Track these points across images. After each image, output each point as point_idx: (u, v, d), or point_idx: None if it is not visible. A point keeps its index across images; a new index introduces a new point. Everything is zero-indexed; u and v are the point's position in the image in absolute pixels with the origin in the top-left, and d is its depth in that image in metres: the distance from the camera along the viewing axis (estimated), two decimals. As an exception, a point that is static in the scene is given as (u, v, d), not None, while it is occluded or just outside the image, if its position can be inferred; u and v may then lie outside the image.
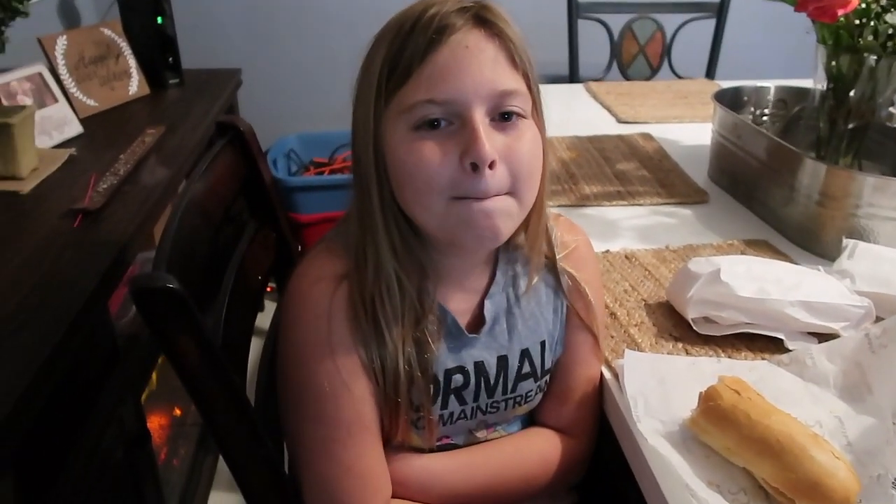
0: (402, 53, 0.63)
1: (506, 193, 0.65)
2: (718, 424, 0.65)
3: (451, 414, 0.75)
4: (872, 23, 0.98)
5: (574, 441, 0.81)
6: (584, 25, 2.08)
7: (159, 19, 1.81)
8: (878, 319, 0.82)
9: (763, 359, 0.81)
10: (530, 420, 0.84)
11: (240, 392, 0.61)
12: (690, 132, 1.57)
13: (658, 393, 0.73)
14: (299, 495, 0.71)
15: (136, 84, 1.75)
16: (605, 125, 1.64)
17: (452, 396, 0.74)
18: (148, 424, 1.15)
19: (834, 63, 1.08)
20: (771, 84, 1.37)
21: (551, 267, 0.78)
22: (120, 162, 1.30)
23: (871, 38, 0.98)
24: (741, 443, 0.63)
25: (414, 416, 0.71)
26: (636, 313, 0.90)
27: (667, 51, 2.08)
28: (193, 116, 1.65)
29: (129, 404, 1.06)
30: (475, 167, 0.62)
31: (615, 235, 1.12)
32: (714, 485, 0.64)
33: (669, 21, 2.05)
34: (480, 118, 0.62)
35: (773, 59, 2.20)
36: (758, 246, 1.07)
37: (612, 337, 0.85)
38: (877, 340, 0.74)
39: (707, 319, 0.85)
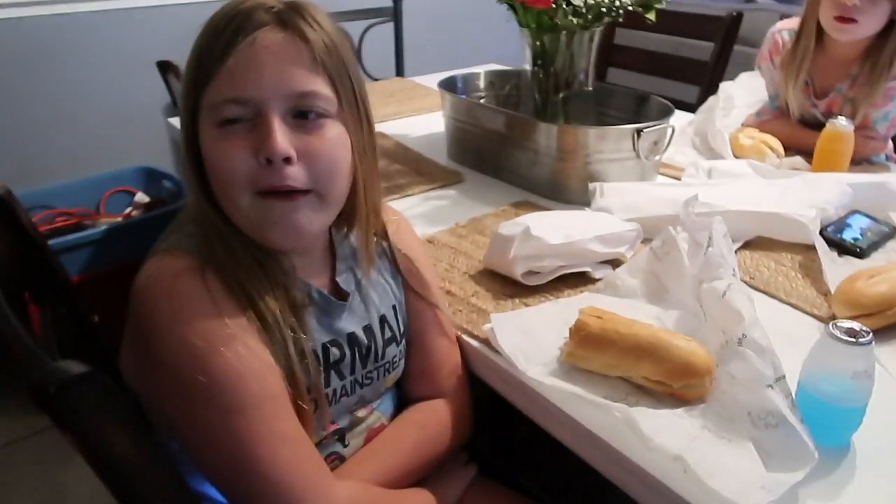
0: (209, 50, 0.66)
1: (308, 191, 0.68)
2: (595, 347, 0.76)
3: (335, 391, 0.77)
4: (564, 5, 1.19)
5: (451, 403, 0.86)
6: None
7: None
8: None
9: (582, 292, 0.95)
10: (400, 398, 0.88)
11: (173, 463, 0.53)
12: (414, 124, 1.70)
13: (528, 343, 0.82)
14: None
15: None
16: (335, 131, 1.68)
17: (333, 372, 0.76)
18: None
19: (538, 42, 1.28)
20: (481, 70, 1.56)
21: (383, 247, 0.85)
22: None
23: (568, 17, 1.19)
24: (619, 354, 0.75)
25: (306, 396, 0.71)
26: (467, 286, 0.97)
27: (358, 56, 2.20)
28: None
29: None
30: (269, 162, 0.65)
31: (406, 226, 1.18)
32: (606, 398, 0.74)
33: (353, 28, 2.16)
34: (277, 116, 0.66)
35: (450, 50, 2.48)
36: (525, 206, 1.23)
37: (461, 311, 0.91)
38: (660, 250, 0.92)
39: (529, 272, 0.96)
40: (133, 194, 2.11)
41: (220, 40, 0.65)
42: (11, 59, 1.90)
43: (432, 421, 0.84)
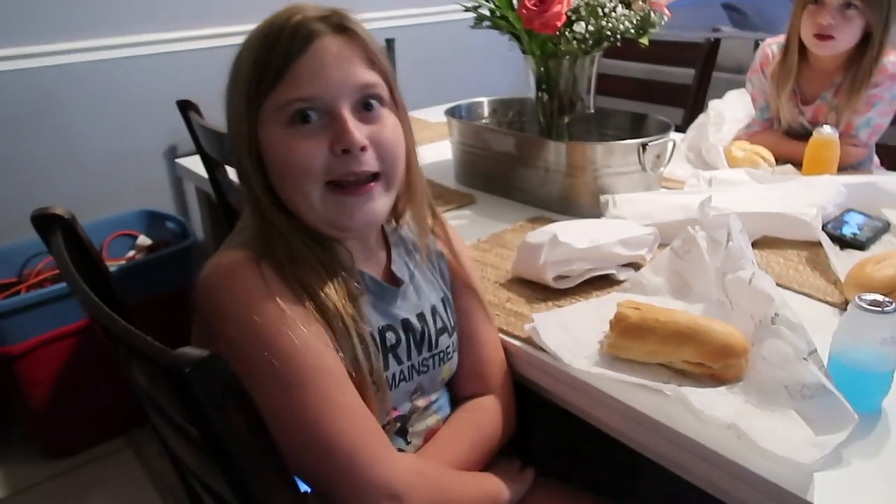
0: (270, 59, 0.72)
1: (374, 177, 0.75)
2: (636, 337, 0.81)
3: (394, 375, 0.81)
4: (567, 32, 1.27)
5: (500, 399, 0.90)
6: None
7: None
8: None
9: (610, 292, 1.00)
10: (454, 397, 0.92)
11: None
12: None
13: (569, 339, 0.87)
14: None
15: None
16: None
17: (391, 356, 0.81)
18: None
19: (542, 68, 1.36)
20: (484, 99, 1.63)
21: (430, 245, 0.91)
22: None
23: (571, 43, 1.27)
24: (660, 341, 0.80)
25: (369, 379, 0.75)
26: (500, 293, 1.02)
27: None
28: None
29: None
30: (346, 152, 0.72)
31: (429, 244, 1.23)
32: (652, 382, 0.79)
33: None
34: (347, 111, 0.73)
35: (439, 87, 2.57)
36: (539, 221, 1.29)
37: (498, 315, 0.96)
38: (681, 249, 0.98)
39: (559, 276, 1.01)
40: (135, 237, 2.14)
41: (283, 50, 0.71)
42: (12, 109, 1.94)
43: (486, 419, 0.87)
